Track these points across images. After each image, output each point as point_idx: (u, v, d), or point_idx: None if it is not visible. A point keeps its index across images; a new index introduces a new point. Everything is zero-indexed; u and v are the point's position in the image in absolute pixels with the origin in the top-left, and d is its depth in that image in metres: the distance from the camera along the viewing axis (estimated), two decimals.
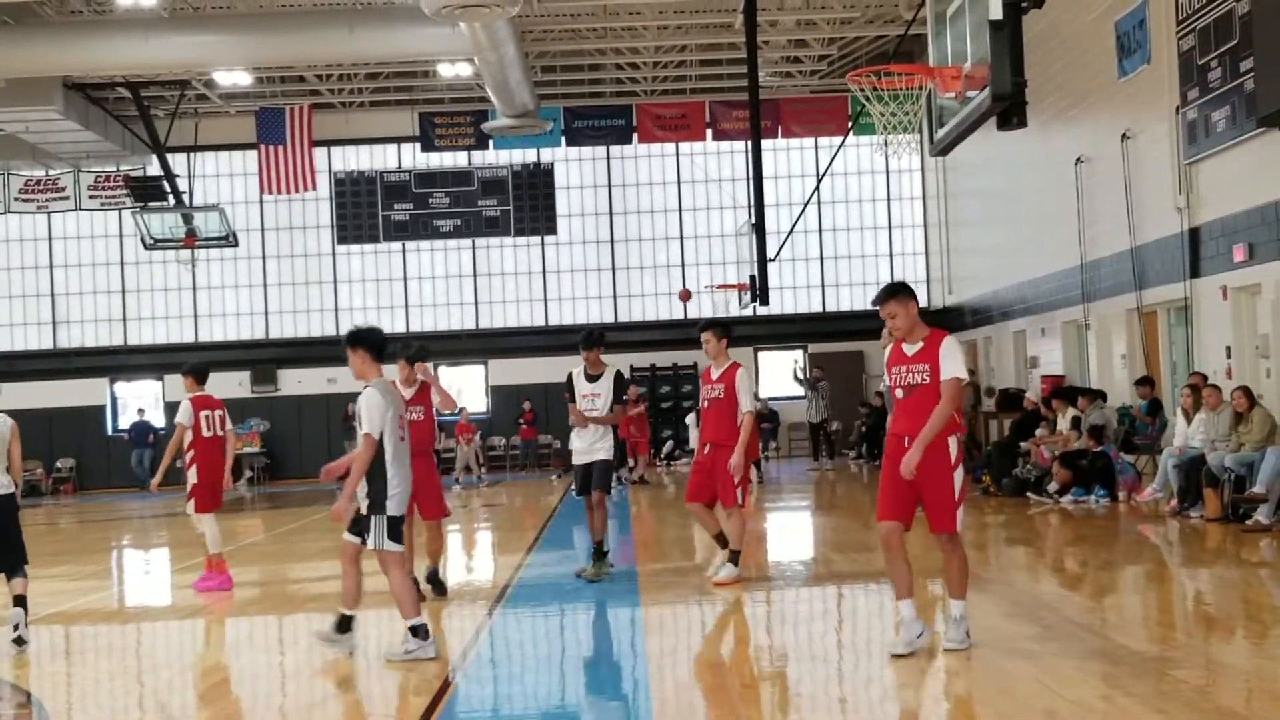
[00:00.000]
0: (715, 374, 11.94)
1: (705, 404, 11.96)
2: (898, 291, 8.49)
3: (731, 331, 12.22)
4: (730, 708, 7.54)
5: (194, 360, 14.31)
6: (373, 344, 9.28)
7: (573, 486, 12.94)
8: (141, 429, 33.33)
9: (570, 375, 12.68)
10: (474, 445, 29.50)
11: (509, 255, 34.92)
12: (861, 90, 13.46)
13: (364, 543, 8.97)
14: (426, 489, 11.94)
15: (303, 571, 15.13)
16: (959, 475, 8.42)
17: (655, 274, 34.93)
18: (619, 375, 12.63)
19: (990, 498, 19.69)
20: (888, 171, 34.45)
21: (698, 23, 28.11)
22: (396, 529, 8.98)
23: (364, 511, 8.97)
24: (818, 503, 22.11)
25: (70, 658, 10.04)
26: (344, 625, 9.08)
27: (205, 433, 13.30)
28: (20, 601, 10.10)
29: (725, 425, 11.70)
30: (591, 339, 12.77)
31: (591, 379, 12.48)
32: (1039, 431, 20.42)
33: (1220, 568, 12.67)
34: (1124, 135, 20.34)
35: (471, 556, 16.70)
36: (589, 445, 12.37)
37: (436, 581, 12.11)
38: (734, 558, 11.95)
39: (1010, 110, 10.90)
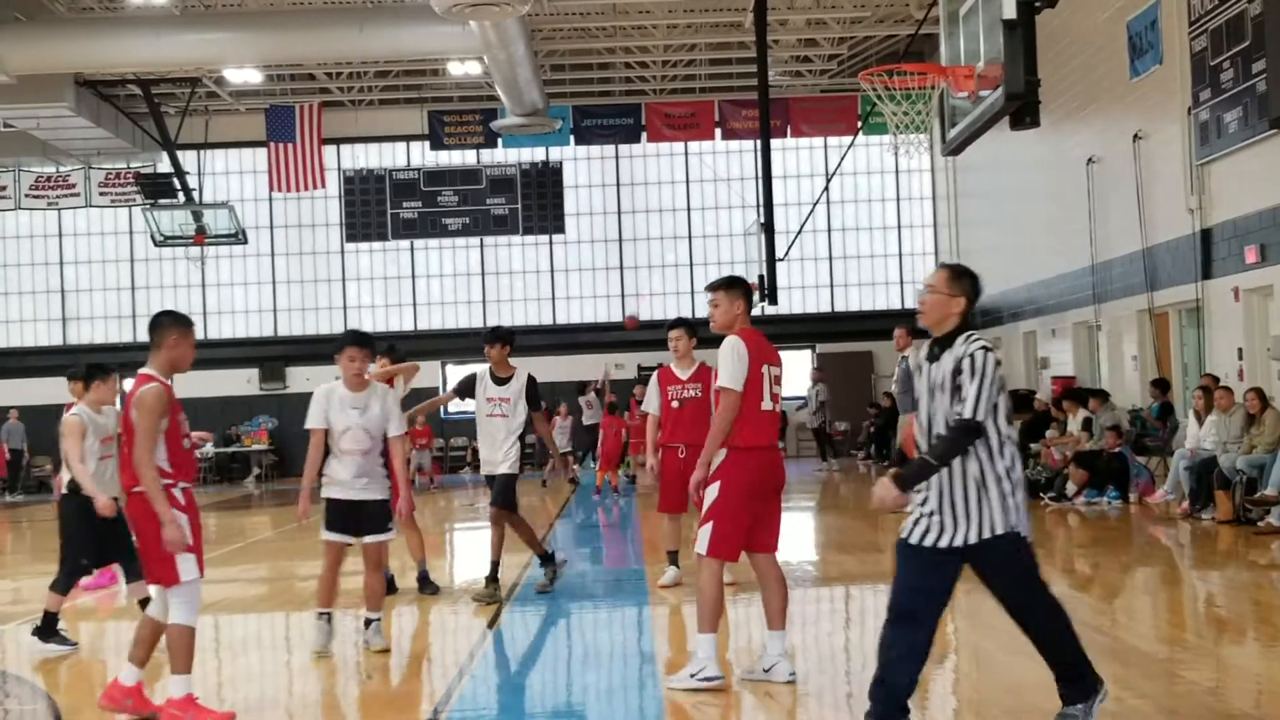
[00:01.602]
0: (685, 374, 11.73)
1: (676, 404, 11.55)
2: (729, 285, 8.23)
3: (697, 331, 11.69)
4: (740, 708, 7.52)
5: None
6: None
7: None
8: None
9: (474, 376, 11.70)
10: (429, 450, 29.85)
11: (517, 254, 34.92)
12: (873, 89, 13.43)
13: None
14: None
15: (311, 569, 15.09)
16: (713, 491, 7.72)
17: (664, 273, 34.91)
18: (531, 379, 11.57)
19: None
20: (897, 171, 34.40)
21: (707, 22, 28.08)
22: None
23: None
24: (823, 503, 22.05)
25: (82, 654, 10.02)
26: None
27: None
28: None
29: (705, 426, 11.43)
30: (497, 334, 11.68)
31: (499, 381, 11.52)
32: (1049, 433, 20.39)
33: (1231, 570, 12.63)
34: (1136, 136, 20.28)
35: (476, 556, 16.68)
36: (493, 456, 11.51)
37: (427, 581, 12.11)
38: (674, 558, 11.95)
39: (1023, 110, 10.88)
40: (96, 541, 9.83)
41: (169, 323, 7.44)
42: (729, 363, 7.72)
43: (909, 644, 6.24)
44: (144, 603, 9.83)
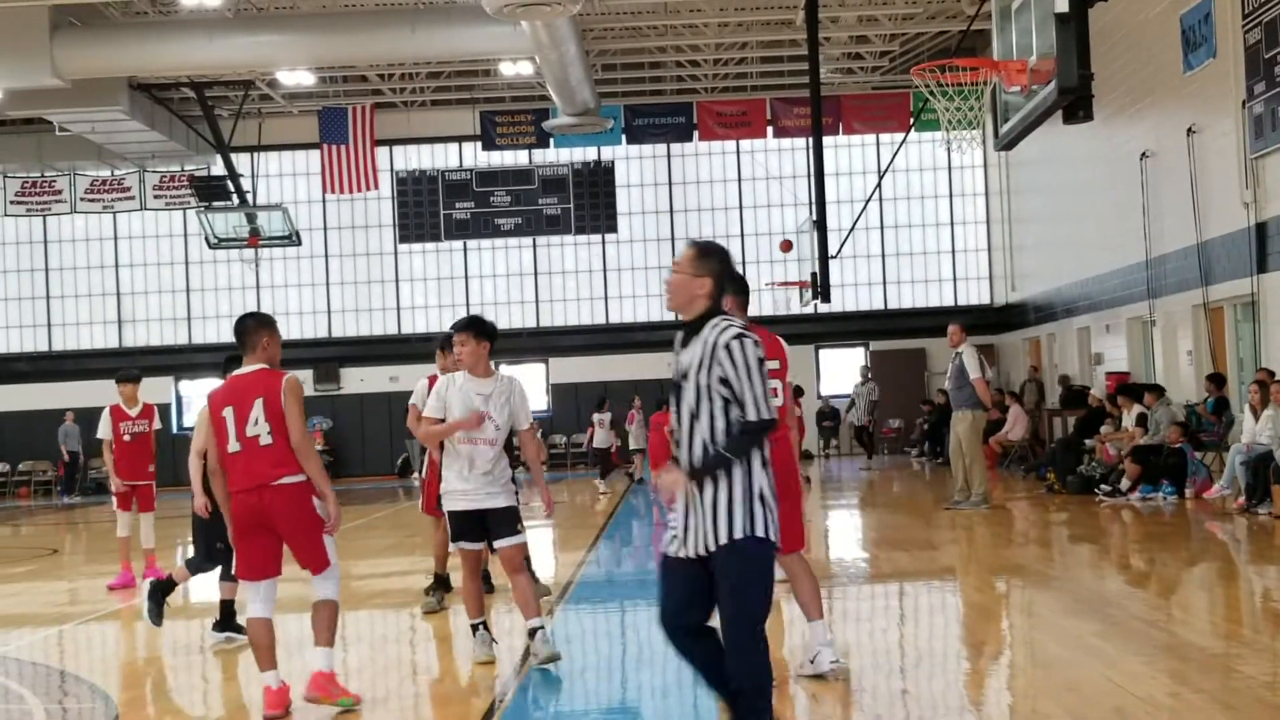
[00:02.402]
0: None
1: None
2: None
3: None
4: (794, 706, 7.52)
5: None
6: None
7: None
8: None
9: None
10: None
11: (569, 253, 34.98)
12: (926, 85, 13.39)
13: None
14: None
15: (367, 568, 15.19)
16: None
17: None
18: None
19: (1055, 495, 19.56)
20: (950, 168, 34.25)
21: (759, 20, 28.05)
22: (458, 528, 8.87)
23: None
24: (871, 500, 22.00)
25: (148, 654, 10.13)
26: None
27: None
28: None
29: None
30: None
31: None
32: (1104, 428, 20.26)
33: None
34: (1189, 130, 20.11)
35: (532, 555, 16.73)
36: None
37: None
38: None
39: (1076, 104, 10.82)
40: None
41: (255, 325, 7.89)
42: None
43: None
44: (225, 604, 9.94)
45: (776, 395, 7.79)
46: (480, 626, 8.84)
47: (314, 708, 7.72)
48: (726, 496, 5.54)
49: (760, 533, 5.55)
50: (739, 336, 5.51)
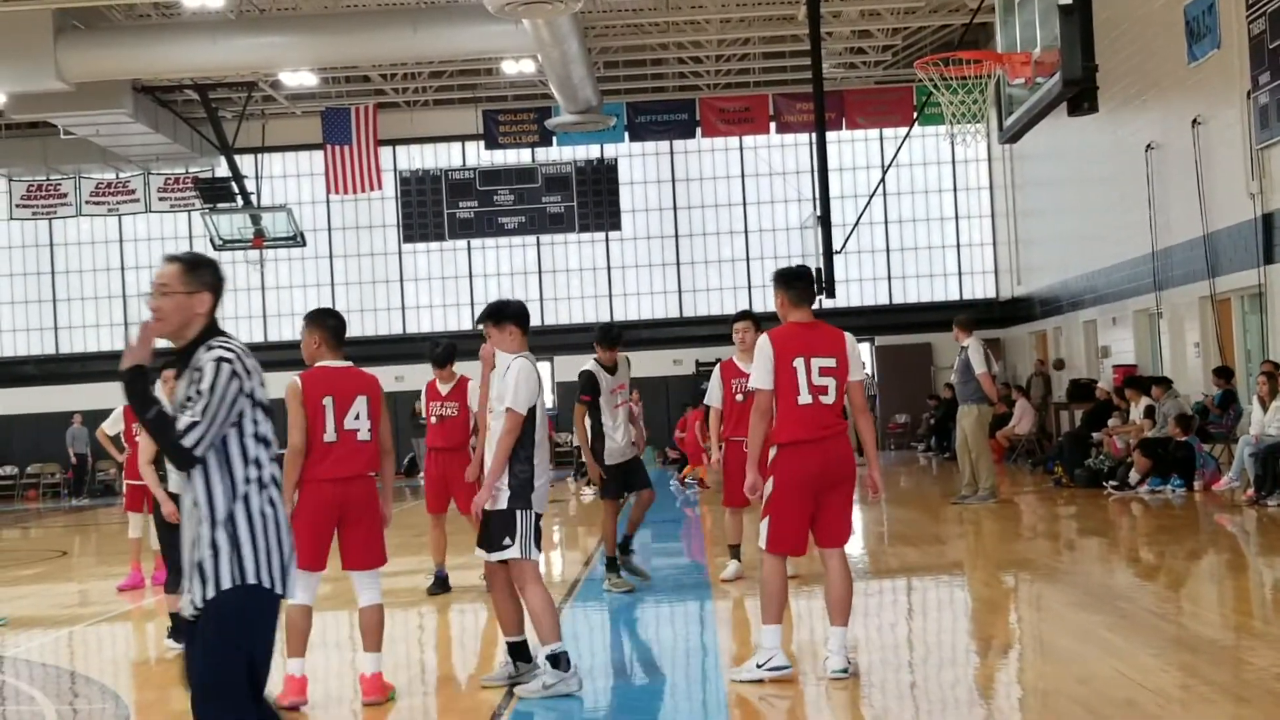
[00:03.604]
0: (749, 367, 11.62)
1: (740, 397, 11.45)
2: (775, 280, 8.14)
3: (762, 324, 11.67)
4: (803, 700, 7.51)
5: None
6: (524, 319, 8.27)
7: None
8: None
9: (591, 374, 11.71)
10: None
11: (573, 251, 34.96)
12: (929, 79, 13.37)
13: (500, 548, 7.77)
14: (463, 483, 12.04)
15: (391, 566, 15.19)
16: None
17: (720, 268, 34.86)
18: (627, 360, 11.99)
19: (1063, 489, 19.53)
20: (954, 162, 34.19)
21: (760, 15, 28.02)
22: (539, 532, 7.94)
23: (502, 506, 7.77)
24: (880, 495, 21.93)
25: (159, 655, 10.13)
26: (520, 652, 8.06)
27: None
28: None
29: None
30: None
31: (611, 371, 11.73)
32: (1111, 421, 20.23)
33: None
34: (1194, 121, 20.07)
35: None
36: (625, 443, 11.73)
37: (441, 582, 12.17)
38: (735, 552, 11.98)
39: (1081, 95, 10.82)
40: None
41: (340, 326, 8.22)
42: (754, 363, 7.88)
43: None
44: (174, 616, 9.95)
45: (827, 393, 7.77)
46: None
47: (333, 704, 7.74)
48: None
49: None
50: (222, 360, 4.82)
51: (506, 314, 8.15)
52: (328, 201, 34.39)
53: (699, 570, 12.74)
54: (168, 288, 5.02)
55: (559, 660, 7.69)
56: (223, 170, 32.64)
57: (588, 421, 11.58)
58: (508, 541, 7.72)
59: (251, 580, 4.77)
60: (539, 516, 7.88)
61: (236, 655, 4.73)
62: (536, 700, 7.63)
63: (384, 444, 8.02)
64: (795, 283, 8.07)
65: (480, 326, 8.26)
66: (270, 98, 32.24)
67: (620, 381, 11.74)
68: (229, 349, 4.87)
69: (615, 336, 11.79)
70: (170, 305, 4.99)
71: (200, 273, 5.03)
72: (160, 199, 33.59)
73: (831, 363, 7.77)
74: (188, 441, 4.73)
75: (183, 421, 4.75)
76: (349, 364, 8.11)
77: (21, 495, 32.68)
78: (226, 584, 4.74)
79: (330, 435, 7.80)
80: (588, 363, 11.80)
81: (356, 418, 7.85)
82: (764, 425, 7.73)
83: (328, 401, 7.81)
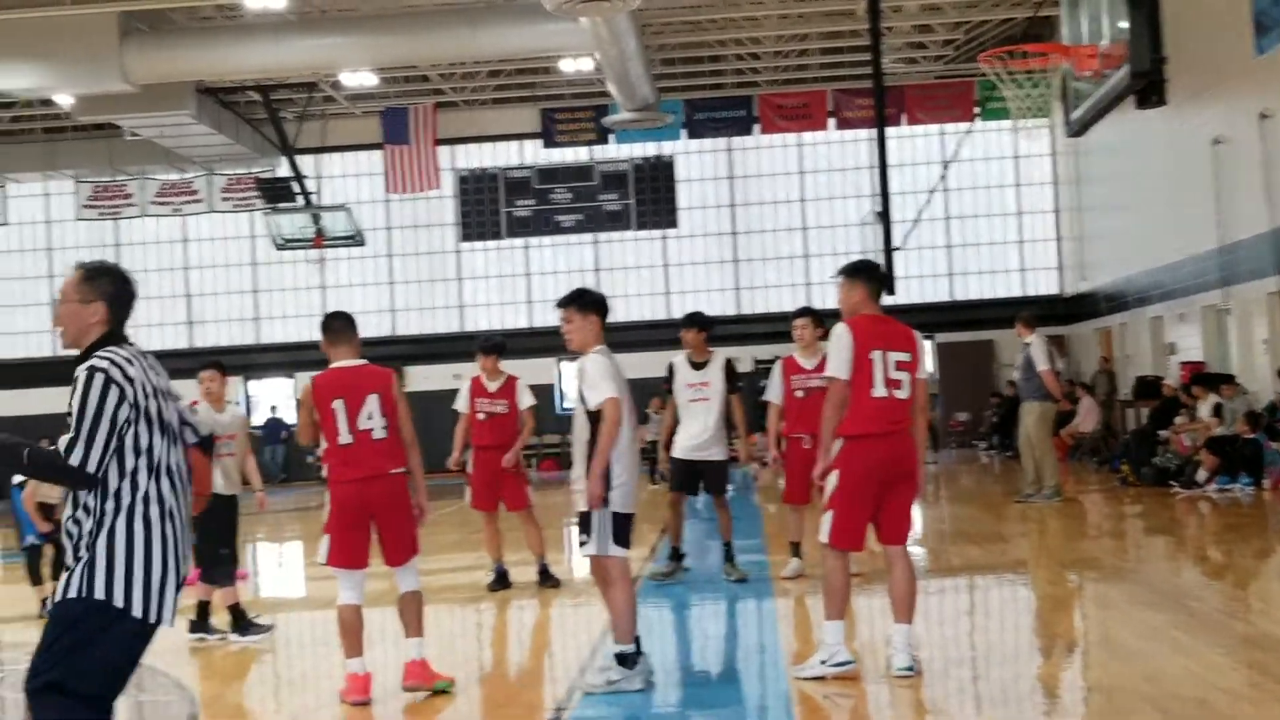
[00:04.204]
0: (809, 364, 11.58)
1: (800, 394, 11.39)
2: (848, 272, 8.02)
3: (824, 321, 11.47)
4: (865, 697, 7.44)
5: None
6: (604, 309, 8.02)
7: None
8: (274, 426, 33.83)
9: (671, 365, 11.91)
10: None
11: (630, 249, 34.93)
12: (994, 73, 13.24)
13: (581, 544, 7.72)
14: (513, 481, 12.07)
15: (434, 564, 15.21)
16: None
17: (778, 265, 34.72)
18: (729, 362, 11.85)
19: (1129, 487, 19.31)
20: (1016, 157, 33.90)
21: (819, 10, 27.87)
22: (624, 529, 7.75)
23: (582, 507, 7.63)
24: (939, 494, 21.81)
25: (223, 649, 10.17)
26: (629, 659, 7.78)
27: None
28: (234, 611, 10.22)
29: None
30: (693, 320, 11.97)
31: (697, 367, 11.80)
32: (1178, 419, 19.97)
33: None
34: (1262, 115, 19.75)
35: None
36: (700, 441, 11.65)
37: (547, 576, 12.13)
38: (796, 550, 11.90)
39: (1149, 88, 10.69)
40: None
41: (347, 323, 8.16)
42: (832, 351, 7.80)
43: None
44: (203, 605, 10.02)
45: (900, 388, 7.71)
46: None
47: (392, 698, 7.74)
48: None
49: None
50: (96, 370, 4.71)
51: (591, 300, 7.96)
52: (387, 201, 34.55)
53: (760, 568, 12.67)
54: (65, 296, 4.93)
55: (626, 659, 7.67)
56: (284, 170, 32.86)
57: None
58: (584, 538, 7.69)
59: (100, 597, 4.64)
60: (627, 515, 7.70)
61: (59, 664, 4.61)
62: (600, 695, 7.60)
63: (405, 437, 8.01)
64: (876, 275, 8.10)
65: (560, 312, 7.91)
66: (330, 98, 32.42)
67: (704, 379, 11.66)
68: (106, 358, 4.74)
69: (705, 321, 11.92)
70: (65, 313, 4.92)
71: (97, 282, 4.94)
72: (223, 199, 33.87)
73: (906, 357, 7.77)
74: (74, 461, 4.61)
75: (62, 442, 4.64)
76: (362, 362, 8.10)
77: None
78: (73, 594, 4.65)
79: (345, 437, 7.87)
80: (677, 356, 11.92)
81: (369, 417, 7.88)
82: (838, 416, 7.67)
83: (338, 405, 7.86)
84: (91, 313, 4.88)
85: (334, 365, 8.07)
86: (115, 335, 4.90)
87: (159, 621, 4.73)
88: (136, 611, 4.66)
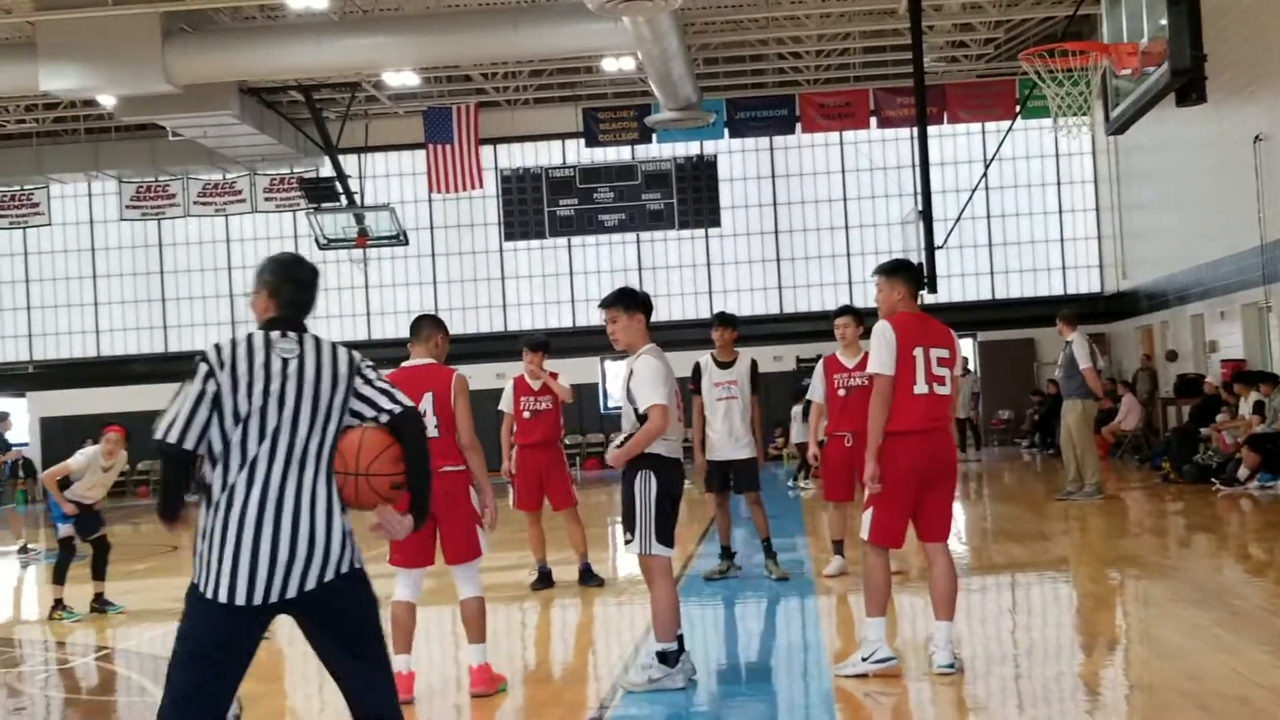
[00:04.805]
0: (851, 362, 11.64)
1: (843, 393, 11.52)
2: (888, 270, 8.06)
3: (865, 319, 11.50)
4: (906, 695, 7.48)
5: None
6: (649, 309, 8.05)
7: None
8: None
9: (697, 365, 11.95)
10: None
11: (673, 248, 34.98)
12: (1034, 70, 13.23)
13: (627, 543, 7.79)
14: (556, 479, 12.13)
15: (489, 561, 15.32)
16: None
17: (820, 264, 34.72)
18: (753, 363, 11.96)
19: (1170, 485, 19.24)
20: (1057, 155, 33.80)
21: (861, 9, 27.86)
22: (666, 527, 7.84)
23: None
24: (981, 492, 21.78)
25: (265, 647, 10.29)
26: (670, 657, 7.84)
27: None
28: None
29: None
30: (723, 319, 12.16)
31: (723, 366, 11.90)
32: (1220, 417, 19.90)
33: None
34: None
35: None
36: (729, 440, 11.72)
37: (590, 575, 12.20)
38: (839, 548, 11.93)
39: (1189, 86, 10.66)
40: None
41: (430, 323, 8.50)
42: (875, 348, 7.78)
43: None
44: None
45: (943, 384, 7.76)
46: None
47: (437, 696, 7.83)
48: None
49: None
50: (200, 356, 4.95)
51: (637, 300, 7.98)
52: (430, 200, 34.72)
53: (800, 565, 12.71)
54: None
55: (667, 657, 7.74)
56: (327, 170, 33.04)
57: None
58: (628, 537, 7.76)
59: (195, 580, 4.79)
60: (670, 515, 7.78)
61: (179, 646, 4.80)
62: (642, 693, 7.67)
63: (462, 438, 8.00)
64: (914, 273, 8.18)
65: (605, 312, 7.95)
66: (373, 98, 32.60)
67: (732, 377, 11.71)
68: (216, 344, 4.93)
69: (735, 321, 12.14)
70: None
71: (259, 273, 5.29)
72: (266, 199, 34.13)
73: (946, 354, 7.82)
74: (156, 432, 4.80)
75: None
76: (429, 361, 8.30)
77: (133, 491, 33.29)
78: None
79: None
80: (704, 356, 12.00)
81: (424, 415, 7.82)
82: (885, 412, 7.69)
83: None
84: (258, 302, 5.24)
85: (404, 365, 8.25)
86: (277, 321, 5.18)
87: (238, 604, 4.84)
88: (221, 597, 4.80)
